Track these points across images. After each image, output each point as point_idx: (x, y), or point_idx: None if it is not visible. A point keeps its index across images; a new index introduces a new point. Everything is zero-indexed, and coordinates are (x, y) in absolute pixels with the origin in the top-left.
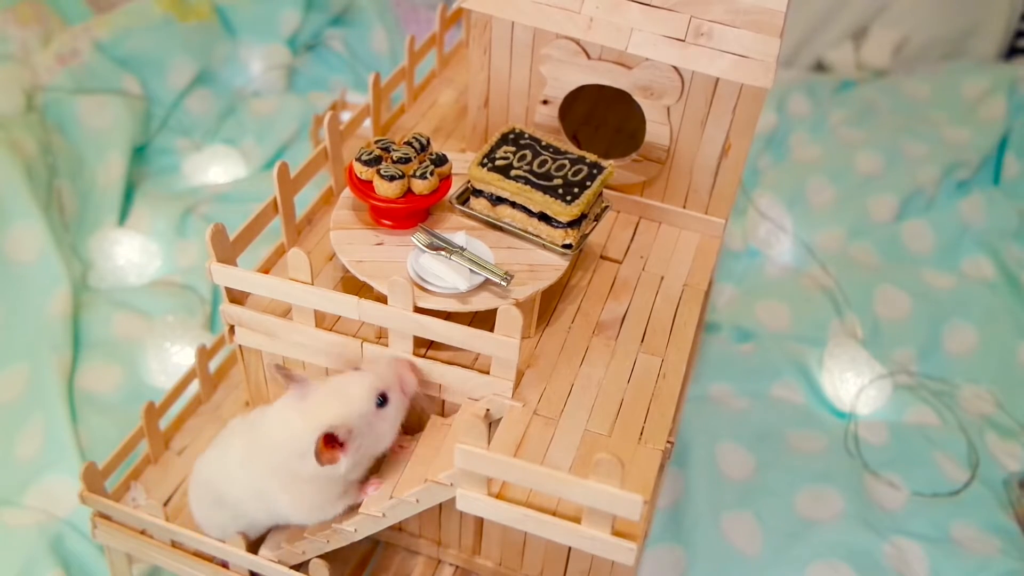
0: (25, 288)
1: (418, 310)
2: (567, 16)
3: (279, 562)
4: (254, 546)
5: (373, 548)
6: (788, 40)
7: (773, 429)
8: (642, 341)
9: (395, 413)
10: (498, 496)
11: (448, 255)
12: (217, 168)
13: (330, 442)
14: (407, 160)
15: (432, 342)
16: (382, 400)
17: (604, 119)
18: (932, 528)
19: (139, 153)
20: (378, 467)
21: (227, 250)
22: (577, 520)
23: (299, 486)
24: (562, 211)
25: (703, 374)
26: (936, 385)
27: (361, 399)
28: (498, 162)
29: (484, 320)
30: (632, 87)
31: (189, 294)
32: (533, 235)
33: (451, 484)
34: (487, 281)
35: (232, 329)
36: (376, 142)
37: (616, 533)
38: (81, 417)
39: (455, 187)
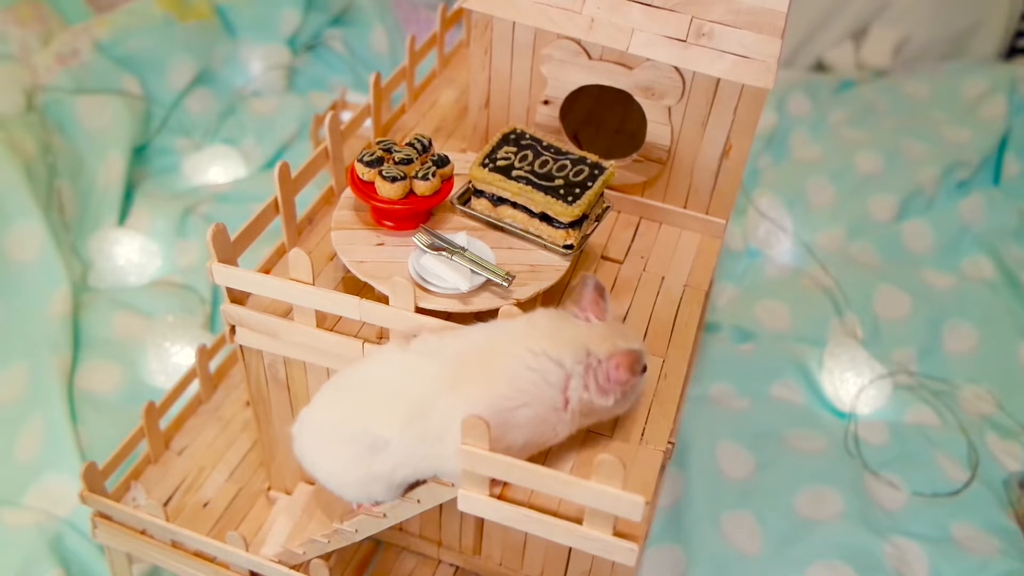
0: (25, 288)
1: (419, 310)
2: (568, 16)
3: (279, 562)
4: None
5: (374, 548)
6: (788, 40)
7: (773, 429)
8: (643, 341)
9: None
10: (500, 497)
11: (449, 255)
12: (217, 168)
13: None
14: (409, 161)
15: None
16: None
17: (604, 119)
18: (932, 528)
19: (139, 153)
20: None
21: (228, 250)
22: (578, 521)
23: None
24: (563, 212)
25: (703, 374)
26: (936, 385)
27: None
28: (499, 162)
29: (485, 321)
30: (633, 87)
31: (189, 294)
32: (534, 235)
33: (453, 484)
34: (488, 281)
35: (233, 329)
36: (378, 143)
37: (617, 534)
38: (81, 417)
39: (456, 187)
